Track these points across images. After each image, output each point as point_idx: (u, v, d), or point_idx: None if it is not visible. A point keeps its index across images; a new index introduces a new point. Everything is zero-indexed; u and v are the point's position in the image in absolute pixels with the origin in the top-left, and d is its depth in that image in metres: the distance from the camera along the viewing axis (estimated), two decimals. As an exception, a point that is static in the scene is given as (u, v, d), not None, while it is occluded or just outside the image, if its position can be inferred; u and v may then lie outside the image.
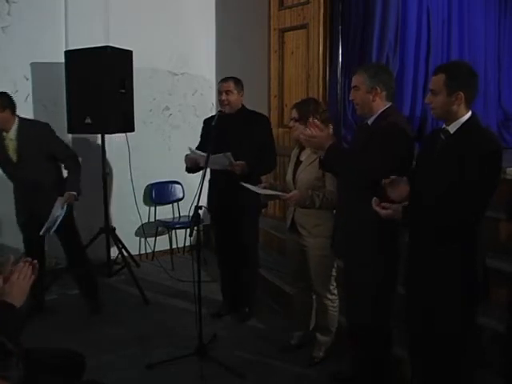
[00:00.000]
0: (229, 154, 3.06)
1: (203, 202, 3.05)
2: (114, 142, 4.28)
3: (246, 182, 2.89)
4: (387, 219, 2.02)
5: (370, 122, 2.36)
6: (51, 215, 3.28)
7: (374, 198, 2.05)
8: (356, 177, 2.30)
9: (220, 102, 3.35)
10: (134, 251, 4.69)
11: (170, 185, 5.01)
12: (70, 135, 4.26)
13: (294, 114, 2.79)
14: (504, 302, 2.44)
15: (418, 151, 2.30)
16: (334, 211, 2.71)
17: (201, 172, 3.05)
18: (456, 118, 2.00)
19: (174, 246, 5.02)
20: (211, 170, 3.44)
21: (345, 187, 2.48)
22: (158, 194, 4.93)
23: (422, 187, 2.07)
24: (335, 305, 2.89)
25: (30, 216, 3.43)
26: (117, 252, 4.20)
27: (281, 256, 4.13)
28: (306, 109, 2.75)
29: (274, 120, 4.76)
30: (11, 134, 3.26)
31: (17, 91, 4.13)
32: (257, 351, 3.10)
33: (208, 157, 2.93)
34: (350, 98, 2.42)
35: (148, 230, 4.89)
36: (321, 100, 4.13)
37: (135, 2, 4.57)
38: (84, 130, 3.90)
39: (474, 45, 4.77)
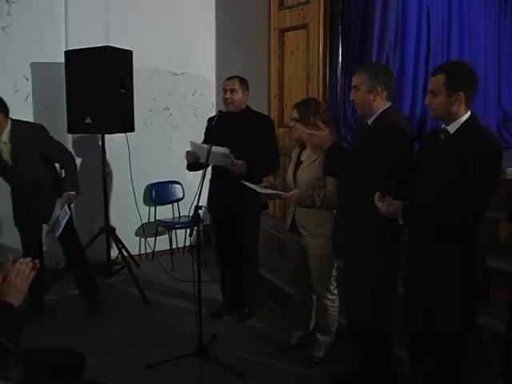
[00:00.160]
0: (231, 154, 3.06)
1: (203, 201, 3.05)
2: (114, 142, 4.28)
3: (246, 182, 2.90)
4: (388, 216, 2.02)
5: (370, 121, 2.36)
6: (52, 216, 3.28)
7: (378, 192, 2.04)
8: (356, 177, 2.30)
9: (224, 100, 3.34)
10: (134, 251, 4.69)
11: (170, 185, 5.01)
12: (69, 135, 4.26)
13: (295, 113, 2.79)
14: (504, 302, 2.44)
15: (417, 151, 2.30)
16: (335, 211, 2.71)
17: (201, 172, 3.04)
18: (456, 118, 2.00)
19: (174, 246, 5.02)
20: (212, 170, 3.44)
21: (345, 187, 2.48)
22: (158, 194, 4.93)
23: (422, 187, 2.07)
24: (335, 305, 2.89)
25: (29, 217, 3.43)
26: (117, 252, 4.20)
27: (281, 256, 4.13)
28: (306, 109, 2.75)
29: (273, 120, 4.75)
30: (4, 137, 3.23)
31: (17, 91, 4.13)
32: (257, 351, 3.10)
33: (209, 153, 2.92)
34: (350, 98, 2.42)
35: (148, 230, 4.89)
36: (321, 100, 4.12)
37: (135, 2, 4.57)
38: (84, 129, 3.90)
39: (473, 45, 4.77)
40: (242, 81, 3.36)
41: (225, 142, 3.09)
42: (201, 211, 2.88)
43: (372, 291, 2.35)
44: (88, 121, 3.77)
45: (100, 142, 4.02)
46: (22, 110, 3.99)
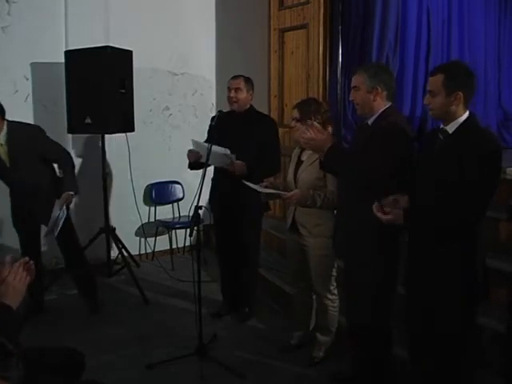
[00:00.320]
0: (232, 155, 3.06)
1: (203, 201, 3.05)
2: (114, 142, 4.28)
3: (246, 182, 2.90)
4: (389, 224, 2.03)
5: (370, 122, 2.36)
6: (52, 217, 3.28)
7: (376, 203, 2.05)
8: (356, 177, 2.30)
9: (228, 99, 3.34)
10: (134, 251, 4.69)
11: (170, 185, 5.01)
12: (69, 135, 4.26)
13: (296, 114, 2.78)
14: (504, 302, 2.44)
15: (417, 151, 2.30)
16: (335, 211, 2.71)
17: (202, 171, 3.04)
18: (454, 118, 2.00)
19: (174, 246, 5.02)
20: (214, 169, 3.44)
21: (345, 187, 2.48)
22: (158, 194, 4.93)
23: (422, 187, 2.07)
24: (335, 305, 2.89)
25: (28, 218, 3.43)
26: (117, 252, 4.20)
27: (281, 256, 4.13)
28: (307, 109, 2.74)
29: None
30: (1, 139, 3.22)
31: (17, 91, 4.13)
32: (257, 351, 3.10)
33: (209, 152, 2.92)
34: (350, 99, 2.42)
35: (148, 230, 4.89)
36: (322, 100, 4.12)
37: (135, 2, 4.57)
38: (84, 130, 3.90)
39: (474, 45, 4.76)
40: (247, 80, 3.36)
41: (225, 142, 3.09)
42: (201, 211, 2.88)
43: (372, 291, 2.35)
44: (88, 121, 3.77)
45: (100, 142, 4.02)
46: (22, 110, 4.00)
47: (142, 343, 3.22)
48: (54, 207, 3.28)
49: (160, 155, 4.89)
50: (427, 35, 4.47)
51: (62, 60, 3.89)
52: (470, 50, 4.73)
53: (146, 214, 4.88)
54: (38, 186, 3.34)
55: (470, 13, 4.73)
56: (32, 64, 4.18)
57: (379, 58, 4.18)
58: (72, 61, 3.83)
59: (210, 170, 3.36)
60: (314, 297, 3.01)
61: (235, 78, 3.36)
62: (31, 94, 4.23)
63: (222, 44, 5.18)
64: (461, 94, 1.95)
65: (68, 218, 3.45)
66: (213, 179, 3.49)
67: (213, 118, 3.42)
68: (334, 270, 2.85)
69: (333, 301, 2.88)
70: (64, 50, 3.98)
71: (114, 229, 4.13)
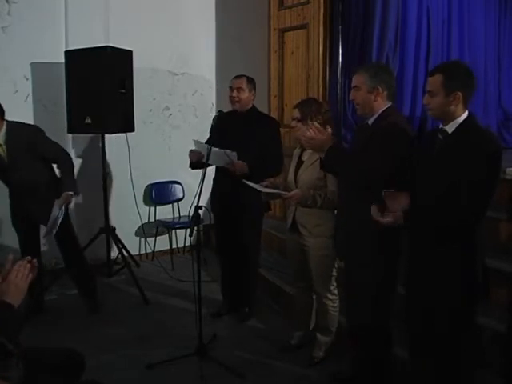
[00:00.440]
0: (233, 153, 3.05)
1: (203, 201, 3.05)
2: (114, 142, 4.28)
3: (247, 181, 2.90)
4: (388, 226, 2.03)
5: (370, 122, 2.36)
6: (51, 217, 3.28)
7: (374, 205, 2.05)
8: (356, 177, 2.30)
9: (230, 98, 3.33)
10: (134, 251, 4.69)
11: (170, 185, 5.01)
12: (69, 135, 4.26)
13: (297, 113, 2.78)
14: (504, 302, 2.44)
15: (417, 151, 2.30)
16: (335, 211, 2.71)
17: (202, 171, 3.04)
18: (453, 118, 2.00)
19: (174, 246, 5.02)
20: (216, 169, 3.43)
21: (345, 187, 2.48)
22: (158, 194, 4.93)
23: (421, 187, 2.07)
24: (335, 305, 2.89)
25: (27, 217, 3.43)
26: (117, 252, 4.20)
27: (281, 256, 4.13)
28: (308, 109, 2.74)
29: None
30: (0, 139, 3.21)
31: (17, 91, 4.13)
32: (257, 351, 3.10)
33: (209, 152, 2.92)
34: (351, 98, 2.42)
35: (148, 230, 4.89)
36: (322, 100, 4.12)
37: (135, 2, 4.57)
38: (84, 130, 3.90)
39: (474, 45, 4.77)
40: (250, 80, 3.35)
41: (226, 142, 3.09)
42: (201, 211, 2.88)
43: (372, 291, 2.35)
44: (88, 121, 3.77)
45: (100, 142, 4.02)
46: (22, 110, 4.00)
47: (142, 343, 3.22)
48: (54, 207, 3.28)
49: (160, 155, 4.89)
50: (427, 35, 4.48)
51: (62, 60, 3.89)
52: (469, 50, 4.73)
53: (146, 214, 4.88)
54: (37, 186, 3.34)
55: (470, 13, 4.74)
56: (32, 64, 4.18)
57: (379, 57, 4.18)
58: (72, 61, 3.83)
59: (212, 170, 3.36)
60: (314, 297, 3.01)
61: (238, 77, 3.35)
62: (31, 94, 4.23)
63: (222, 44, 5.18)
64: (460, 94, 1.96)
65: (67, 218, 3.45)
66: (214, 179, 3.49)
67: (214, 118, 3.42)
68: (335, 270, 2.85)
69: (333, 301, 2.88)
70: (64, 50, 3.98)
71: (114, 229, 4.13)
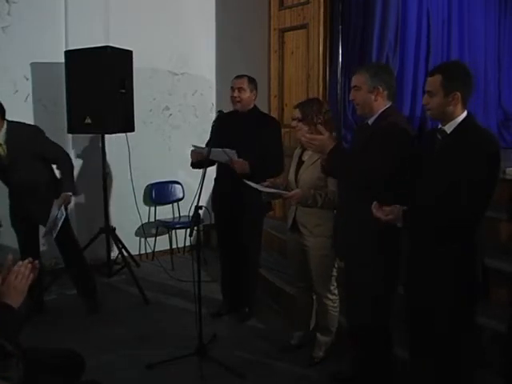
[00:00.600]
0: (232, 151, 3.06)
1: (203, 201, 3.05)
2: (114, 142, 4.28)
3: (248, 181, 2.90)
4: (389, 223, 2.03)
5: (370, 122, 2.36)
6: (50, 217, 3.28)
7: (374, 202, 2.04)
8: (356, 177, 2.29)
9: (232, 98, 3.33)
10: (134, 251, 4.70)
11: (170, 185, 5.01)
12: (69, 135, 4.26)
13: (297, 113, 2.77)
14: (504, 302, 2.44)
15: (417, 151, 2.30)
16: (335, 211, 2.71)
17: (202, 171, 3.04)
18: (452, 118, 2.00)
19: (174, 246, 5.02)
20: (217, 169, 3.44)
21: (345, 187, 2.48)
22: (158, 194, 4.93)
23: (421, 187, 2.07)
24: (336, 305, 2.89)
25: (26, 217, 3.43)
26: (117, 252, 4.20)
27: (281, 256, 4.13)
28: (309, 109, 2.74)
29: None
30: (0, 139, 3.21)
31: (17, 91, 4.13)
32: (257, 351, 3.10)
33: (209, 152, 2.92)
34: (351, 98, 2.42)
35: (148, 230, 4.89)
36: (323, 100, 4.12)
37: (135, 2, 4.57)
38: (84, 130, 3.90)
39: (474, 45, 4.77)
40: (251, 80, 3.35)
41: (226, 142, 3.09)
42: (201, 211, 2.88)
43: (372, 291, 2.35)
44: (88, 121, 3.77)
45: (100, 142, 4.02)
46: (22, 110, 4.00)
47: (142, 343, 3.22)
48: (53, 207, 3.28)
49: (160, 155, 4.89)
50: (427, 35, 4.47)
51: (62, 60, 3.89)
52: (469, 50, 4.73)
53: (146, 214, 4.88)
54: (37, 186, 3.34)
55: (470, 13, 4.74)
56: (32, 64, 4.18)
57: (379, 57, 4.18)
58: (72, 61, 3.83)
59: (212, 170, 3.36)
60: (315, 297, 3.01)
61: (239, 77, 3.35)
62: (31, 94, 4.23)
63: (222, 44, 5.18)
64: (458, 94, 1.96)
65: (66, 218, 3.45)
66: (215, 179, 3.49)
67: (215, 121, 3.43)
68: (335, 269, 2.85)
69: (333, 301, 2.88)
70: (64, 49, 3.98)
71: (114, 229, 4.13)
